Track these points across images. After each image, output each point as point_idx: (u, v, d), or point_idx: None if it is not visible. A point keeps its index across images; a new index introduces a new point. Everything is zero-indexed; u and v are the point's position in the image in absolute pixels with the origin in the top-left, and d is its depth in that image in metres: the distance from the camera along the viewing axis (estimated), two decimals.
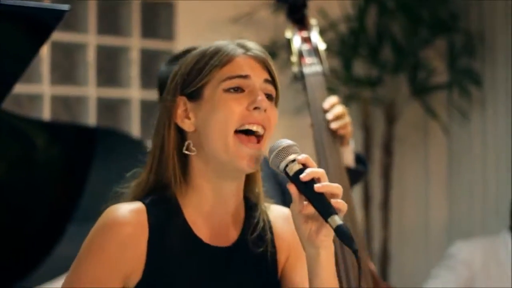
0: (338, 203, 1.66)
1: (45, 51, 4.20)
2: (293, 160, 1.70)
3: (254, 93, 1.75)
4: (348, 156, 2.75)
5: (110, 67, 4.51)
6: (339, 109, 2.67)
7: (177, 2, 4.58)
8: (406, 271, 5.08)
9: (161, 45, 4.59)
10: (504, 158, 4.87)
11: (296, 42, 2.78)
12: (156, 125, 1.80)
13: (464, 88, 4.91)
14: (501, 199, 4.72)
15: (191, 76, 1.77)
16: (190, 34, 4.49)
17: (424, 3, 4.91)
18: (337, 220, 1.64)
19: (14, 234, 2.98)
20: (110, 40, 4.47)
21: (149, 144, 1.83)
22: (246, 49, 1.79)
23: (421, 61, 4.95)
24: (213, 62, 1.76)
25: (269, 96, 1.78)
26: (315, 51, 2.77)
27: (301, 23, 2.82)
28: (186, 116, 1.78)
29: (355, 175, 2.77)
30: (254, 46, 1.80)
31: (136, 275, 1.72)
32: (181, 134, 1.79)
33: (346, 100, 4.64)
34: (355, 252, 1.62)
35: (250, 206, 1.84)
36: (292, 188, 1.69)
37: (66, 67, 4.39)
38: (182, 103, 1.78)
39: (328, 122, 2.65)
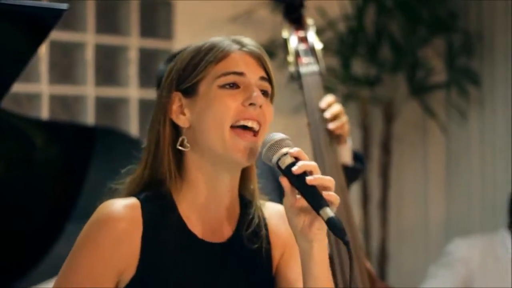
0: (330, 195, 1.66)
1: (43, 50, 4.20)
2: (286, 154, 1.69)
3: (249, 89, 1.74)
4: (345, 154, 2.75)
5: (108, 66, 4.51)
6: (336, 108, 2.67)
7: (176, 2, 4.58)
8: (405, 270, 5.07)
9: (160, 45, 4.59)
10: (502, 157, 4.86)
11: (293, 42, 2.78)
12: (151, 121, 1.80)
13: (462, 87, 4.91)
14: (499, 198, 4.71)
15: (187, 72, 1.77)
16: (189, 33, 4.49)
17: (422, 2, 4.90)
18: (328, 212, 1.63)
19: (12, 233, 2.98)
20: (109, 39, 4.47)
21: (145, 140, 1.83)
22: (242, 45, 1.78)
23: (419, 60, 4.94)
24: (208, 58, 1.75)
25: (264, 93, 1.77)
26: (311, 50, 2.77)
27: (298, 23, 2.82)
28: (181, 112, 1.77)
29: (353, 173, 2.77)
30: (249, 42, 1.79)
31: (130, 271, 1.72)
32: (176, 130, 1.78)
33: (345, 99, 4.64)
34: (346, 243, 1.62)
35: (245, 203, 1.83)
36: (284, 181, 1.68)
37: (65, 66, 4.39)
38: (177, 99, 1.78)
39: (324, 121, 2.65)
